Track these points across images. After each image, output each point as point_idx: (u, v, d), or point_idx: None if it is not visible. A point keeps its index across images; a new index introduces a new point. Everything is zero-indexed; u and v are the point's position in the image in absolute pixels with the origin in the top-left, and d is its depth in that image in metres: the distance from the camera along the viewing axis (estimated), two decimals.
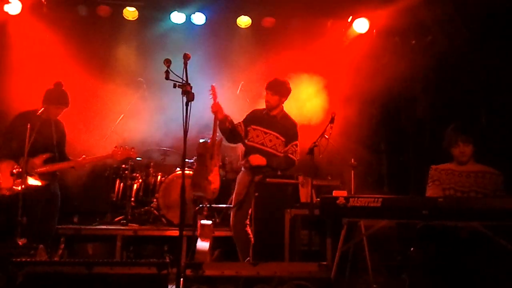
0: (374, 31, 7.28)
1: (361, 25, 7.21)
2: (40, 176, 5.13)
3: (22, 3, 6.71)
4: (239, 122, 5.34)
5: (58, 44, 6.84)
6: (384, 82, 6.95)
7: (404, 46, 7.17)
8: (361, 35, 7.25)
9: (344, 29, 7.35)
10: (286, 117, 5.34)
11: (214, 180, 5.16)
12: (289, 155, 5.27)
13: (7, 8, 6.66)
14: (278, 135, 5.26)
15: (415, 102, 7.12)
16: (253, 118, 5.33)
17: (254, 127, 5.23)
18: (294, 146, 5.29)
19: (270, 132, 5.23)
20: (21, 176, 4.87)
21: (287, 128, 5.27)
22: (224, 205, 6.62)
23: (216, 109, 5.02)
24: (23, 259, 3.58)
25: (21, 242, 4.59)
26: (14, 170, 5.00)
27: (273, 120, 5.27)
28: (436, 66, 6.69)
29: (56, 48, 6.82)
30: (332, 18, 7.34)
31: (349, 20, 7.27)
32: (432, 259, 4.06)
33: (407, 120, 7.23)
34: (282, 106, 5.36)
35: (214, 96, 5.04)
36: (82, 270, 3.38)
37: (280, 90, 5.23)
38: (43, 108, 5.04)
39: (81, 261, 3.42)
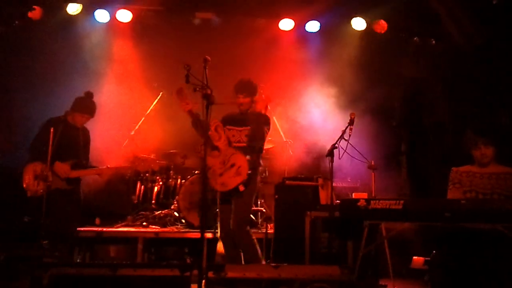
0: (393, 31, 7.22)
1: (380, 26, 7.15)
2: (67, 180, 5.23)
3: (43, 9, 6.83)
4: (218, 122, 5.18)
5: (79, 50, 6.96)
6: (404, 83, 6.92)
7: (423, 47, 7.11)
8: (379, 35, 7.20)
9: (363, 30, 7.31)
10: (258, 114, 5.16)
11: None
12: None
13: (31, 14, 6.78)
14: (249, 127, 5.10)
15: (435, 103, 7.06)
16: (227, 119, 5.19)
17: (229, 127, 5.10)
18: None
19: (244, 128, 5.07)
20: (45, 179, 4.97)
21: (260, 120, 5.09)
22: None
23: (188, 108, 4.90)
24: (49, 261, 3.65)
25: (44, 244, 4.69)
26: (38, 173, 5.11)
27: (245, 117, 5.13)
28: (456, 66, 6.63)
29: (78, 54, 6.94)
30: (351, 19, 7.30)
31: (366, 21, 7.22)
32: (454, 261, 4.03)
33: (427, 121, 7.17)
34: (253, 105, 5.20)
35: (182, 101, 4.90)
36: (106, 272, 3.43)
37: (250, 91, 5.12)
38: (66, 112, 5.14)
39: (106, 263, 3.48)
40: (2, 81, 6.78)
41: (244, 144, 4.99)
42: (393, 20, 7.05)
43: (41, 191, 5.02)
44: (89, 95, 5.41)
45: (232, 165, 4.88)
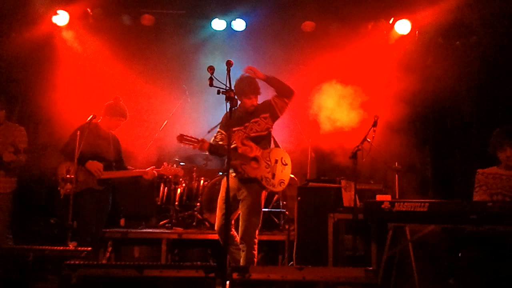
0: (417, 32, 7.15)
1: (403, 27, 7.11)
2: (98, 181, 5.32)
3: (69, 14, 6.96)
4: (219, 131, 5.13)
5: (103, 54, 7.06)
6: (428, 84, 6.83)
7: (448, 47, 7.03)
8: (403, 36, 7.15)
9: (386, 31, 7.27)
10: (260, 103, 5.12)
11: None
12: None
13: (55, 19, 6.92)
14: (259, 117, 5.07)
15: (460, 103, 6.97)
16: (232, 121, 4.85)
17: (235, 129, 5.00)
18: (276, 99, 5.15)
19: (252, 122, 5.04)
20: (73, 181, 5.06)
21: (265, 107, 5.09)
22: (266, 209, 6.66)
23: (198, 147, 4.84)
24: (76, 262, 3.71)
25: (71, 245, 4.77)
26: (67, 175, 5.21)
27: (250, 112, 5.08)
28: (482, 66, 6.53)
29: (102, 58, 7.05)
30: (373, 20, 7.26)
31: (390, 21, 7.18)
32: (480, 264, 3.98)
33: (452, 122, 7.08)
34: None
35: (192, 144, 4.83)
36: (132, 273, 3.47)
37: (257, 89, 5.04)
38: (91, 116, 5.23)
39: (132, 264, 3.51)
40: (29, 84, 6.93)
41: (264, 133, 5.05)
42: (417, 20, 7.00)
43: (68, 190, 5.11)
44: (118, 99, 5.53)
45: (276, 161, 5.02)
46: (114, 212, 6.22)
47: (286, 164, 5.08)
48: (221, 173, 6.65)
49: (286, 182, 5.09)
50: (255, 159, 4.96)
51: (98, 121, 5.45)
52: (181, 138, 4.77)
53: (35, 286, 4.01)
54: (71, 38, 7.12)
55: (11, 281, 4.02)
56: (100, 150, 5.36)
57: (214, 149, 4.88)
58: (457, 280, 4.38)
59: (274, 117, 5.13)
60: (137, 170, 5.57)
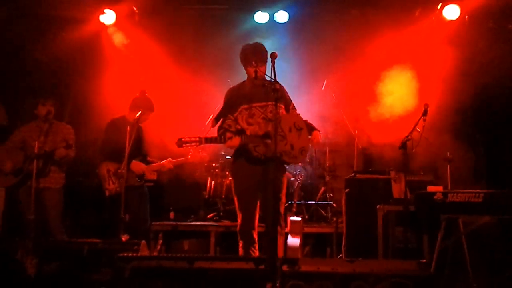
0: (467, 17, 6.90)
1: (451, 12, 6.87)
2: (138, 177, 5.45)
3: (116, 13, 7.12)
4: (227, 118, 4.55)
5: (149, 51, 7.19)
6: (478, 70, 6.59)
7: (499, 32, 6.74)
8: (452, 21, 6.91)
9: (434, 17, 7.04)
10: (269, 81, 4.30)
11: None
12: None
13: (102, 18, 7.09)
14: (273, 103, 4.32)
15: None
16: (240, 99, 4.54)
17: (246, 106, 4.47)
18: (293, 108, 4.71)
19: (268, 103, 4.45)
20: (121, 177, 5.19)
21: (281, 92, 4.47)
22: (313, 202, 6.63)
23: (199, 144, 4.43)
24: (129, 254, 3.80)
25: (124, 238, 4.89)
26: (112, 172, 5.36)
27: (262, 89, 4.44)
28: None
29: (148, 55, 7.17)
30: (420, 6, 7.05)
31: (438, 7, 6.96)
32: None
33: (504, 109, 6.79)
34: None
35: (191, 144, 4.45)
36: (183, 265, 3.53)
37: (266, 57, 4.48)
38: (140, 112, 5.32)
39: (183, 256, 3.57)
40: (77, 84, 7.13)
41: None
42: (466, 4, 6.75)
43: (117, 188, 5.25)
44: (144, 93, 5.56)
45: (290, 129, 4.44)
46: (164, 205, 6.34)
47: (301, 129, 4.47)
48: (229, 157, 6.38)
49: (307, 148, 4.49)
50: (267, 135, 4.40)
51: (129, 115, 5.47)
52: (180, 142, 4.41)
53: (90, 278, 4.14)
54: (118, 37, 7.27)
55: (66, 274, 4.16)
56: (135, 144, 5.35)
57: (209, 141, 4.43)
58: None
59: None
60: (156, 164, 5.58)
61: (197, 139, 4.40)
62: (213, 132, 4.69)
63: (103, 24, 7.13)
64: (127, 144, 5.01)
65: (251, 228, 4.52)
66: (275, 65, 4.05)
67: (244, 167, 4.49)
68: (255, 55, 4.47)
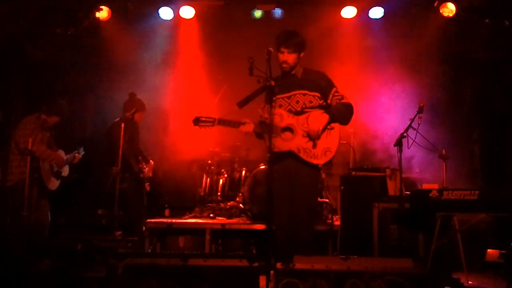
0: (462, 13, 6.89)
1: (447, 9, 6.86)
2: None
3: (110, 9, 7.06)
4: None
5: (144, 48, 7.20)
6: (476, 66, 6.60)
7: (496, 28, 6.73)
8: (449, 18, 6.90)
9: (430, 13, 7.04)
10: (309, 71, 4.26)
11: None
12: (342, 101, 4.25)
13: (98, 14, 7.03)
14: (306, 91, 4.21)
15: (510, 88, 6.68)
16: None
17: (278, 96, 4.16)
18: (337, 93, 4.26)
19: (294, 93, 4.21)
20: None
21: (316, 80, 4.24)
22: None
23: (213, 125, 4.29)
24: (123, 251, 3.78)
25: (117, 234, 4.89)
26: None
27: (293, 79, 4.26)
28: None
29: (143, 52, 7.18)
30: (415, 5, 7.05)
31: (435, 4, 6.95)
32: None
33: (502, 106, 6.79)
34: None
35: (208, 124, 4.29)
36: (177, 262, 3.51)
37: (298, 44, 4.20)
38: (133, 110, 5.42)
39: (177, 253, 3.54)
40: (75, 78, 7.08)
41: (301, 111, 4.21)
42: (461, 1, 6.74)
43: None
44: (133, 94, 5.75)
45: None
46: (159, 203, 6.33)
47: (333, 128, 4.16)
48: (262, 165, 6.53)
49: (334, 150, 4.13)
50: (288, 128, 4.17)
51: (133, 116, 5.68)
52: (197, 121, 4.27)
53: (85, 275, 4.12)
54: (113, 33, 7.23)
55: (61, 270, 4.15)
56: (136, 144, 5.73)
57: (223, 123, 4.27)
58: (508, 271, 4.20)
59: (321, 104, 4.28)
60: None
61: (212, 119, 4.26)
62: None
63: (98, 20, 7.09)
64: (121, 141, 5.02)
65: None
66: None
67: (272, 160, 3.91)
68: (284, 40, 4.19)
